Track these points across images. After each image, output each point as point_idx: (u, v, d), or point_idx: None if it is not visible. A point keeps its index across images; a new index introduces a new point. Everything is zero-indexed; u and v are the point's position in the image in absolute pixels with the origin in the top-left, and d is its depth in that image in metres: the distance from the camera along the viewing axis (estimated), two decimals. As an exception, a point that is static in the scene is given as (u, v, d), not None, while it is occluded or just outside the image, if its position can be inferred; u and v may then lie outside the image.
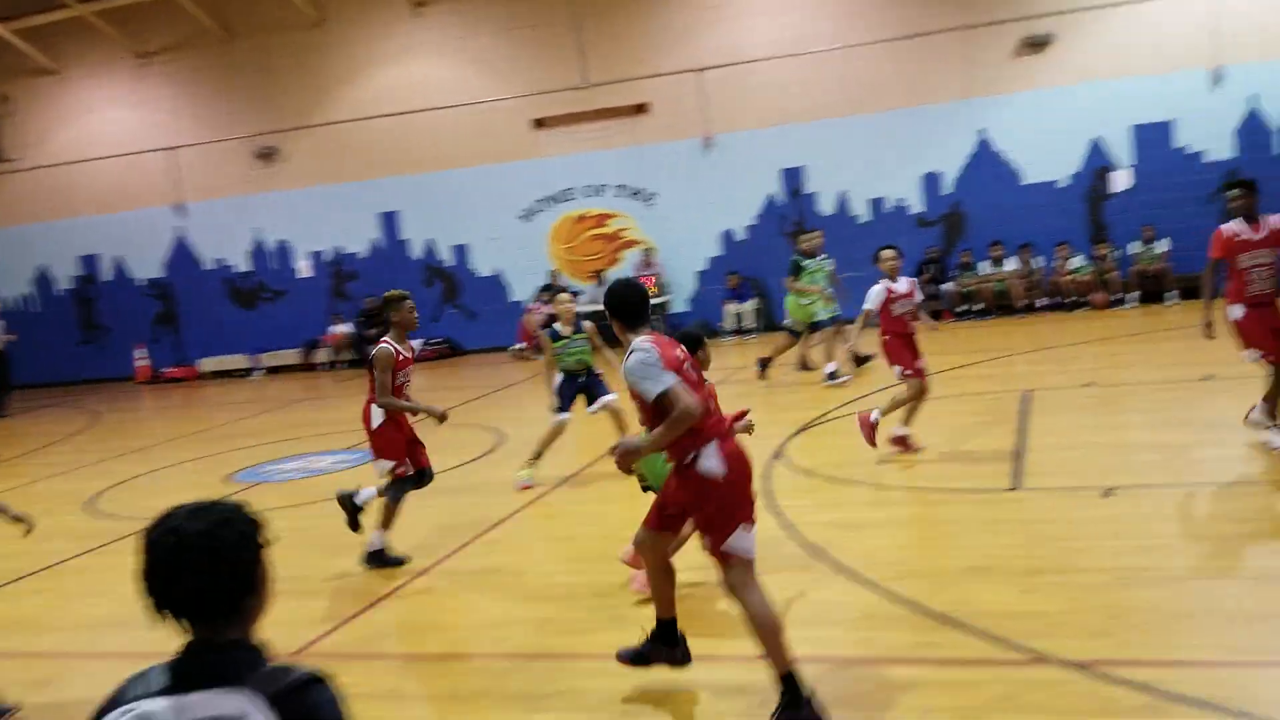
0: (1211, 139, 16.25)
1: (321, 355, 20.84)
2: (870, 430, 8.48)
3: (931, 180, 17.68)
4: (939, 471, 8.29)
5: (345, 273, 21.01)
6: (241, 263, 21.58)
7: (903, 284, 8.74)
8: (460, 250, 20.30)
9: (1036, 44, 16.77)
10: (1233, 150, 16.18)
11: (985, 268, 17.24)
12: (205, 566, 2.04)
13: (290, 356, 20.99)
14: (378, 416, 7.17)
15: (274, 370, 21.02)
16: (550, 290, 19.32)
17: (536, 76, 19.27)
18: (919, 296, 8.94)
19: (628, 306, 4.64)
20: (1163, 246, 16.30)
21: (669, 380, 4.32)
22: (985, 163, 17.38)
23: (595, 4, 18.79)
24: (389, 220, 20.62)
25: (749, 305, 18.37)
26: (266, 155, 20.83)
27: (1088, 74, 16.64)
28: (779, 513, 7.51)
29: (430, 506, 8.26)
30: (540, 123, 19.34)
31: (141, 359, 21.89)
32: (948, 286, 17.34)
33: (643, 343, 4.46)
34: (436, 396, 16.11)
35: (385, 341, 7.12)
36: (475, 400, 14.60)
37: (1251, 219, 7.49)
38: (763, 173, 18.41)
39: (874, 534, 6.97)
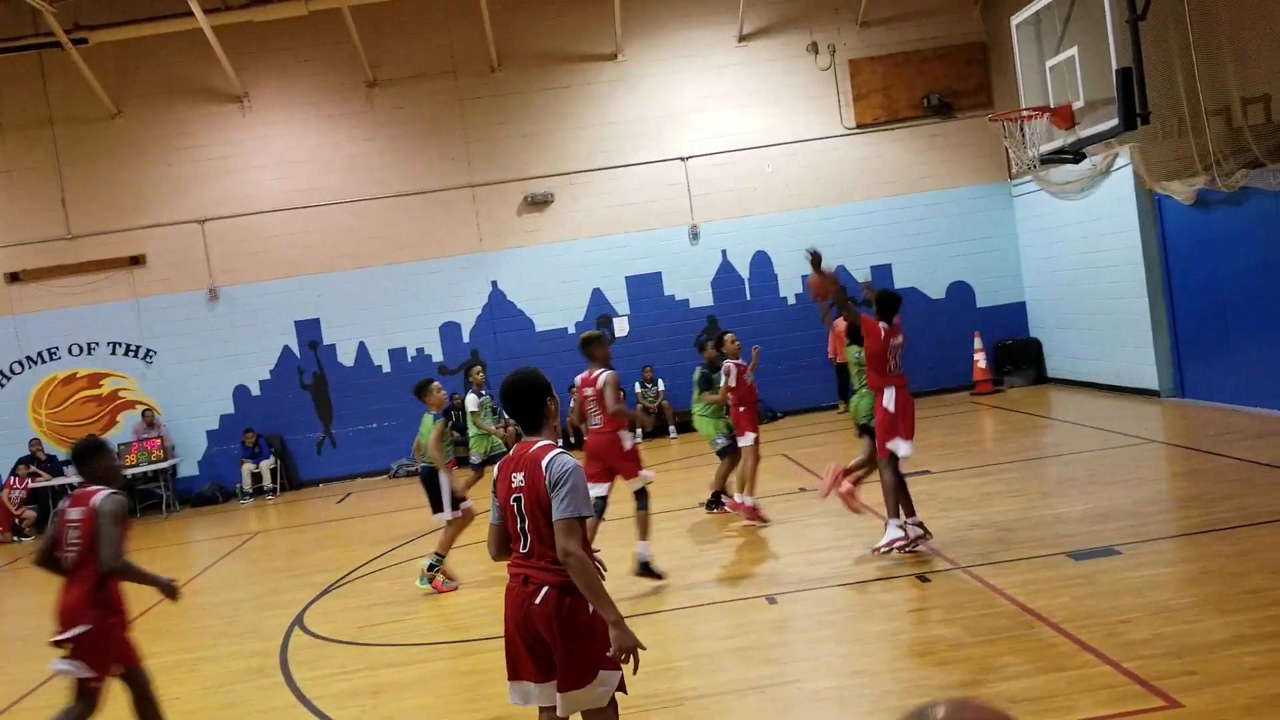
0: (694, 288, 18.22)
1: None
2: (751, 511, 9.92)
3: (451, 329, 18.06)
4: (466, 621, 8.17)
5: None
6: None
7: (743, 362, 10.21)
8: (-87, 423, 17.35)
9: (538, 203, 17.97)
10: (712, 297, 18.23)
11: (507, 412, 17.76)
12: None
13: None
14: (628, 440, 8.28)
15: None
16: (32, 463, 16.96)
17: (11, 227, 17.31)
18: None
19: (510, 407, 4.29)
20: (661, 385, 17.82)
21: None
22: (500, 312, 18.10)
23: (76, 151, 17.36)
24: None
25: (267, 464, 17.36)
26: None
27: (586, 230, 18.06)
28: (295, 686, 6.97)
29: None
30: (15, 276, 17.30)
31: None
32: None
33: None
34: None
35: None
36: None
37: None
38: (276, 325, 17.74)
39: (396, 696, 6.65)
